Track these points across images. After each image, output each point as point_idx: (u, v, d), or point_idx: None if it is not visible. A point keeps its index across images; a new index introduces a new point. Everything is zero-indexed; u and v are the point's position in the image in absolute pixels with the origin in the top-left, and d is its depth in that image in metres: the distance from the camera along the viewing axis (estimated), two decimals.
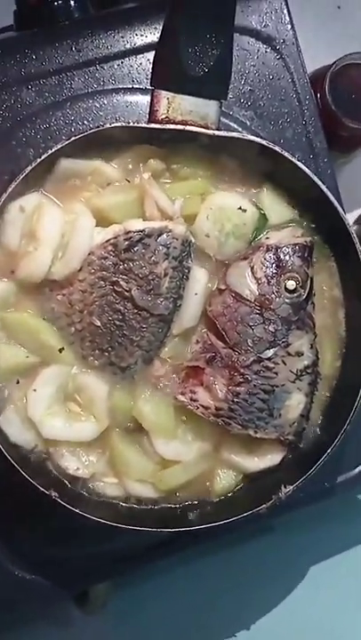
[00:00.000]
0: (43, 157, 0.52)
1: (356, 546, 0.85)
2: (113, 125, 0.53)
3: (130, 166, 0.56)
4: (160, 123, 0.53)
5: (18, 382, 0.54)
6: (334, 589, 0.84)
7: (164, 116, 0.53)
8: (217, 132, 0.54)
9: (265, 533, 0.80)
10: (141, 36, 0.62)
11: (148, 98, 0.59)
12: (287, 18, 0.64)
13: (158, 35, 0.61)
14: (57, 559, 0.62)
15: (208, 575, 0.81)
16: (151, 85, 0.54)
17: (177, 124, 0.53)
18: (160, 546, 0.62)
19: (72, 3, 0.64)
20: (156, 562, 0.66)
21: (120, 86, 0.61)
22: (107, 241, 0.53)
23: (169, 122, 0.53)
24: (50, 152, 0.52)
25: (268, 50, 0.64)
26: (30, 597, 0.63)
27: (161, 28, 0.59)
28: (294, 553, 0.83)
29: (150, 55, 0.61)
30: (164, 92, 0.53)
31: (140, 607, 0.81)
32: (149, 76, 0.60)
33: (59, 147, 0.52)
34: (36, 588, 0.62)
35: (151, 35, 0.62)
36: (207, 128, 0.54)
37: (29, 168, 0.52)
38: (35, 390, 0.54)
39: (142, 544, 0.62)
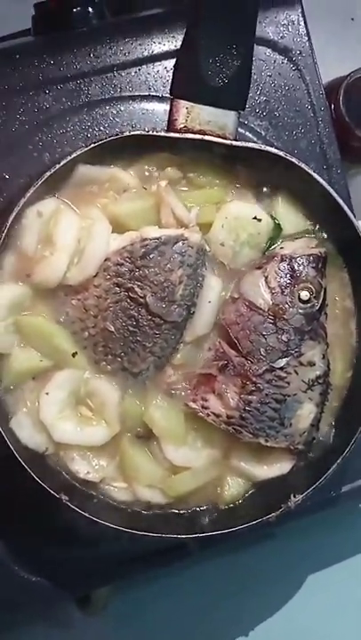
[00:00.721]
0: (62, 163, 0.52)
1: (357, 554, 0.85)
2: (132, 133, 0.53)
3: (147, 174, 0.56)
4: (179, 132, 0.54)
5: (31, 385, 0.55)
6: (334, 596, 0.84)
7: (182, 126, 0.54)
8: (235, 143, 0.54)
9: (267, 539, 0.80)
10: (159, 43, 0.62)
11: (164, 106, 0.59)
12: (304, 29, 0.64)
13: (176, 43, 0.61)
14: (61, 561, 0.62)
15: (209, 579, 0.81)
16: (170, 94, 0.55)
17: (195, 133, 0.54)
18: (165, 551, 0.62)
19: (90, 9, 0.64)
20: (160, 567, 0.66)
21: (137, 93, 0.62)
22: (123, 247, 0.53)
23: (187, 131, 0.54)
24: (69, 158, 0.53)
25: (284, 61, 0.64)
26: (33, 599, 0.63)
27: (179, 36, 0.60)
28: (295, 559, 0.84)
29: (168, 63, 0.62)
30: (183, 102, 0.53)
31: (140, 610, 0.81)
32: (166, 84, 0.61)
33: (78, 153, 0.53)
34: (40, 589, 0.63)
35: (169, 42, 0.62)
36: (225, 138, 0.54)
37: (48, 174, 0.52)
38: (47, 394, 0.54)
39: (147, 549, 0.62)
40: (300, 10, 0.64)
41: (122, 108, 0.61)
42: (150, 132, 0.54)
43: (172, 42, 0.62)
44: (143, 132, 0.54)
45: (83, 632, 0.79)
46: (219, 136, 0.54)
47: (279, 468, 0.57)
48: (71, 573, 0.63)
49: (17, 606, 0.64)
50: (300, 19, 0.64)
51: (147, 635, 0.81)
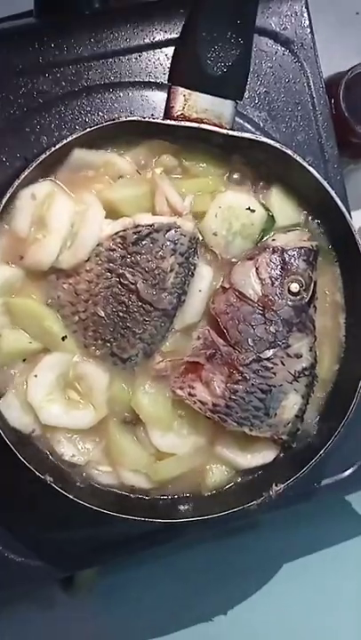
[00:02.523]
0: (57, 146, 0.52)
1: (340, 543, 0.86)
2: (129, 119, 0.53)
3: (142, 160, 0.56)
4: (175, 119, 0.54)
5: (20, 367, 0.55)
6: (315, 585, 0.85)
7: (179, 113, 0.54)
8: (231, 132, 0.54)
9: (250, 528, 0.81)
10: (161, 30, 0.62)
11: (163, 93, 0.59)
12: (307, 21, 0.64)
13: (178, 30, 0.61)
14: (45, 543, 0.63)
15: (192, 566, 0.82)
16: (169, 81, 0.55)
17: (192, 121, 0.54)
18: (149, 535, 0.63)
19: None
20: (144, 551, 0.67)
21: (137, 80, 0.61)
22: (115, 233, 0.53)
23: (184, 119, 0.54)
24: (65, 141, 0.53)
25: (285, 52, 0.64)
26: (17, 579, 0.64)
27: (181, 23, 0.60)
28: (278, 548, 0.85)
29: (168, 51, 0.61)
30: (180, 89, 0.53)
31: (123, 593, 0.82)
32: (166, 72, 0.60)
33: (74, 137, 0.53)
34: (24, 570, 0.63)
35: (171, 30, 0.62)
36: (221, 127, 0.54)
37: (43, 156, 0.52)
38: (35, 376, 0.54)
39: (131, 533, 0.63)
40: (303, 1, 0.64)
41: (121, 95, 0.61)
42: (147, 119, 0.54)
43: (174, 29, 0.62)
44: (140, 118, 0.54)
45: (65, 613, 0.81)
46: (215, 125, 0.54)
47: (263, 457, 0.57)
48: (55, 555, 0.63)
49: (1, 587, 0.64)
50: (304, 10, 0.64)
51: (130, 618, 0.83)
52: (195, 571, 0.82)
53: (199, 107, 0.53)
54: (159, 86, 0.61)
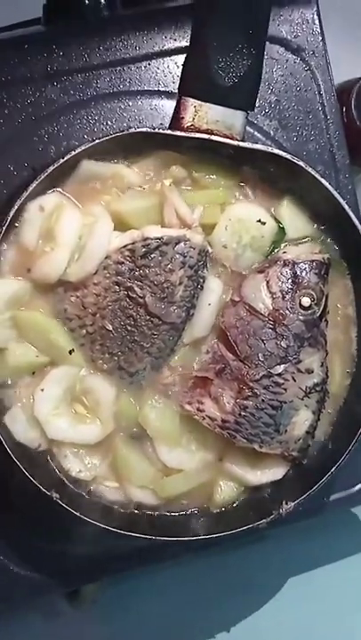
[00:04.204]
0: (66, 158, 0.52)
1: (346, 557, 0.85)
2: (138, 130, 0.53)
3: (151, 172, 0.55)
4: (185, 130, 0.53)
5: (26, 381, 0.54)
6: (322, 599, 0.84)
7: (189, 124, 0.53)
8: (242, 144, 0.54)
9: (257, 541, 0.80)
10: (170, 38, 0.61)
11: (172, 102, 0.58)
12: (318, 29, 0.63)
13: (187, 38, 0.60)
14: (52, 557, 0.62)
15: (198, 578, 0.82)
16: (179, 92, 0.54)
17: (202, 132, 0.53)
18: (155, 551, 0.63)
19: (102, 0, 0.64)
20: (150, 565, 0.66)
21: (146, 88, 0.61)
22: (124, 246, 0.53)
23: (194, 130, 0.53)
24: (73, 153, 0.52)
25: (296, 60, 0.63)
26: (23, 592, 0.63)
27: (190, 31, 0.59)
28: (285, 561, 0.84)
29: (178, 59, 0.61)
30: (191, 100, 0.53)
31: (129, 605, 0.81)
32: (176, 80, 0.60)
33: (82, 148, 0.52)
34: (30, 583, 0.63)
35: (180, 38, 0.61)
36: (232, 139, 0.53)
37: (51, 168, 0.52)
38: (42, 390, 0.54)
39: (137, 547, 0.62)
40: (315, 9, 0.63)
41: (130, 103, 0.61)
42: (156, 130, 0.53)
43: (183, 37, 0.61)
44: (149, 130, 0.53)
45: (71, 625, 0.80)
46: (226, 136, 0.53)
47: (272, 473, 0.56)
48: (61, 569, 0.63)
49: (6, 599, 0.64)
50: (315, 18, 0.63)
51: (134, 630, 0.82)
52: (199, 584, 0.82)
53: (210, 118, 0.53)
54: (168, 95, 0.61)
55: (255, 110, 0.61)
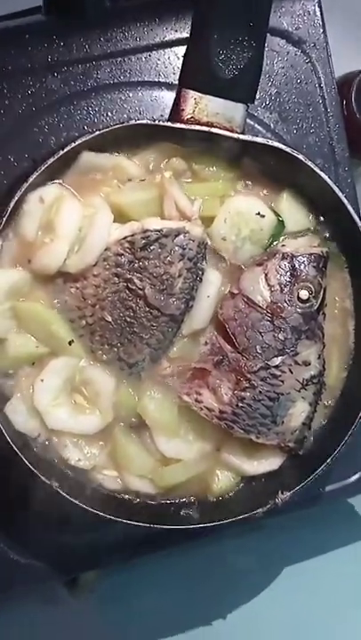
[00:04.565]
0: (66, 149, 0.52)
1: (343, 546, 0.86)
2: (138, 122, 0.53)
3: (151, 163, 0.56)
4: (185, 123, 0.53)
5: (26, 371, 0.55)
6: (317, 589, 0.85)
7: (189, 116, 0.53)
8: (242, 137, 0.54)
9: (253, 531, 0.81)
10: (171, 29, 0.61)
11: (173, 93, 0.58)
12: (320, 21, 0.63)
13: (188, 30, 0.60)
14: (51, 545, 0.63)
15: (195, 567, 0.82)
16: (179, 83, 0.54)
17: (202, 125, 0.53)
18: (153, 538, 0.63)
19: None
20: (148, 554, 0.67)
21: (146, 79, 0.61)
22: (124, 238, 0.53)
23: (194, 122, 0.53)
24: (73, 145, 0.52)
25: (297, 52, 0.63)
26: (22, 580, 0.64)
27: (191, 23, 0.59)
28: (280, 550, 0.85)
29: (178, 50, 0.60)
30: (191, 92, 0.53)
31: (127, 593, 0.82)
32: (176, 72, 0.60)
33: (82, 140, 0.52)
34: (29, 571, 0.63)
35: (181, 29, 0.61)
36: (232, 131, 0.53)
37: (51, 160, 0.52)
38: (42, 380, 0.54)
39: (135, 536, 0.63)
40: (316, 1, 0.63)
41: (130, 94, 0.60)
42: (156, 122, 0.53)
43: (184, 28, 0.61)
44: (149, 122, 0.53)
45: (70, 613, 0.81)
46: (226, 129, 0.53)
47: (269, 464, 0.57)
48: (60, 557, 0.64)
49: (6, 587, 0.65)
50: (317, 10, 0.63)
51: (132, 618, 0.83)
52: (197, 572, 0.82)
53: (210, 110, 0.53)
54: (169, 86, 0.61)
55: (255, 102, 0.61)
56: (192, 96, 0.53)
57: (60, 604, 0.80)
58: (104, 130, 0.52)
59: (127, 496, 0.57)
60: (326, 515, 0.80)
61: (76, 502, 0.53)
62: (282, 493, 0.55)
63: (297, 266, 0.54)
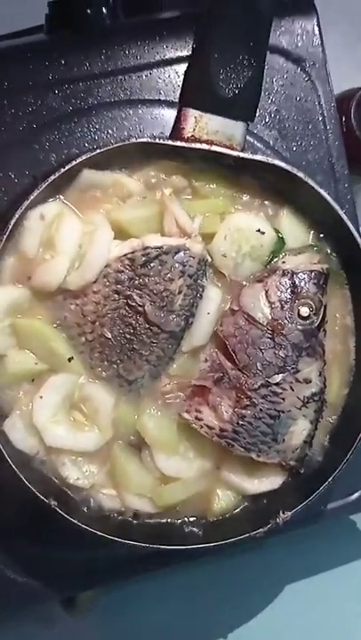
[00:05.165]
0: (67, 167, 0.52)
1: (345, 564, 0.85)
2: (139, 140, 0.53)
3: (152, 180, 0.56)
4: (186, 141, 0.53)
5: (25, 388, 0.54)
6: (319, 606, 0.84)
7: (190, 135, 0.53)
8: (242, 155, 0.54)
9: (255, 548, 0.80)
10: (172, 48, 0.62)
11: (173, 111, 0.59)
12: (318, 40, 0.63)
13: (189, 48, 0.60)
14: (49, 564, 0.62)
15: (194, 585, 0.82)
16: (179, 102, 0.54)
17: (203, 143, 0.53)
18: (152, 557, 0.62)
19: (104, 10, 0.64)
20: (147, 572, 0.66)
21: (147, 97, 0.61)
22: (124, 255, 0.53)
23: (195, 140, 0.53)
24: (74, 162, 0.52)
25: (297, 70, 0.63)
26: (19, 599, 0.63)
27: (192, 41, 0.59)
28: (282, 568, 0.84)
29: (179, 68, 0.61)
30: (192, 111, 0.53)
31: (124, 612, 0.81)
32: (176, 89, 0.60)
33: (83, 158, 0.52)
34: (26, 590, 0.63)
35: (181, 47, 0.62)
36: (232, 149, 0.54)
37: (52, 177, 0.52)
38: (41, 397, 0.54)
39: (133, 555, 0.62)
40: (315, 20, 0.63)
41: (131, 112, 0.61)
42: (157, 140, 0.53)
43: (185, 47, 0.61)
44: (150, 140, 0.53)
45: (67, 633, 0.80)
46: (226, 146, 0.53)
47: (270, 482, 0.56)
48: (58, 575, 0.63)
49: (3, 605, 0.64)
50: (316, 28, 0.64)
51: (131, 636, 0.82)
52: (197, 590, 0.81)
53: (210, 128, 0.53)
54: (169, 104, 0.61)
55: (255, 120, 0.61)
56: (192, 114, 0.53)
57: (57, 624, 0.79)
58: (105, 148, 0.53)
59: (126, 515, 0.56)
60: (328, 532, 0.79)
61: (75, 522, 0.52)
62: (283, 513, 0.54)
63: (297, 283, 0.54)
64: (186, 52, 0.61)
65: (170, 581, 0.79)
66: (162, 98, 0.61)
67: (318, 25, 0.64)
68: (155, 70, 0.61)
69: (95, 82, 0.60)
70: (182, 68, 0.60)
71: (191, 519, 0.57)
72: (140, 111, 0.61)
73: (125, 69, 0.61)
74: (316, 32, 0.64)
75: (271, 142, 0.63)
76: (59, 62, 0.60)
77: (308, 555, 0.84)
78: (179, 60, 0.61)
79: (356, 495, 0.67)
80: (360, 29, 0.79)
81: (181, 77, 0.60)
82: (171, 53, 0.62)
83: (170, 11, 0.66)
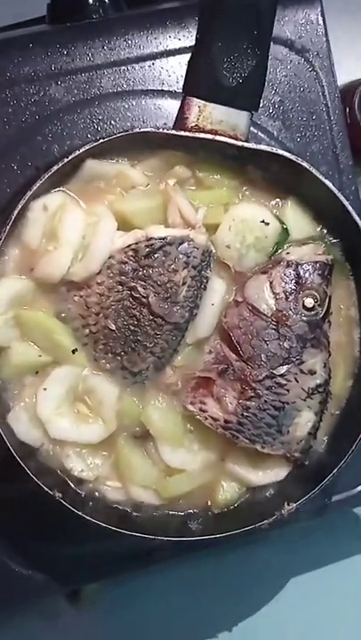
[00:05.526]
0: (70, 158, 0.52)
1: (349, 557, 0.85)
2: (142, 130, 0.53)
3: (155, 171, 0.55)
4: (190, 130, 0.53)
5: (29, 380, 0.54)
6: (323, 599, 0.84)
7: (193, 124, 0.53)
8: (246, 144, 0.53)
9: (259, 541, 0.80)
10: (175, 38, 0.61)
11: (176, 102, 0.58)
12: (323, 30, 0.63)
13: (192, 38, 0.60)
14: (53, 557, 0.62)
15: (198, 578, 0.82)
16: (183, 91, 0.54)
17: (206, 132, 0.53)
18: (157, 550, 0.63)
19: (106, 0, 0.63)
20: (151, 565, 0.66)
21: (150, 88, 0.61)
22: (128, 246, 0.53)
23: (199, 130, 0.53)
24: (77, 153, 0.52)
25: (300, 61, 0.63)
26: (24, 592, 0.63)
27: (195, 30, 0.59)
28: (285, 561, 0.84)
29: (182, 58, 0.60)
30: (195, 100, 0.52)
31: (128, 605, 0.81)
32: (180, 80, 0.60)
33: (86, 148, 0.52)
34: (31, 583, 0.63)
35: (185, 37, 0.61)
36: (236, 139, 0.53)
37: (55, 168, 0.51)
38: (45, 389, 0.54)
39: (138, 548, 0.62)
40: (319, 9, 0.63)
41: (134, 103, 0.60)
42: (160, 130, 0.53)
43: (188, 37, 0.61)
44: (153, 130, 0.53)
45: (71, 626, 0.80)
46: (230, 136, 0.53)
47: (275, 474, 0.56)
48: (61, 568, 0.63)
49: (7, 599, 0.64)
50: (320, 18, 0.63)
51: (135, 631, 0.82)
52: (200, 584, 0.82)
53: (214, 118, 0.53)
54: (172, 94, 0.61)
55: (259, 111, 0.61)
56: (196, 104, 0.52)
57: (61, 617, 0.79)
58: (108, 138, 0.52)
59: (131, 507, 0.56)
60: (332, 524, 0.79)
61: (79, 514, 0.52)
62: (288, 504, 0.54)
63: (302, 274, 0.54)
64: (189, 42, 0.60)
65: (174, 574, 0.80)
66: (165, 88, 0.61)
67: (323, 15, 0.63)
68: (158, 60, 0.61)
69: (98, 72, 0.60)
70: (185, 58, 0.60)
71: (196, 511, 0.57)
72: (143, 102, 0.60)
73: (128, 60, 0.60)
74: (321, 22, 0.63)
75: (275, 133, 0.62)
76: (61, 53, 0.60)
77: (311, 548, 0.84)
78: (182, 50, 0.61)
79: (360, 488, 0.67)
80: None
81: (185, 67, 0.60)
82: (174, 43, 0.61)
83: (172, 1, 0.66)
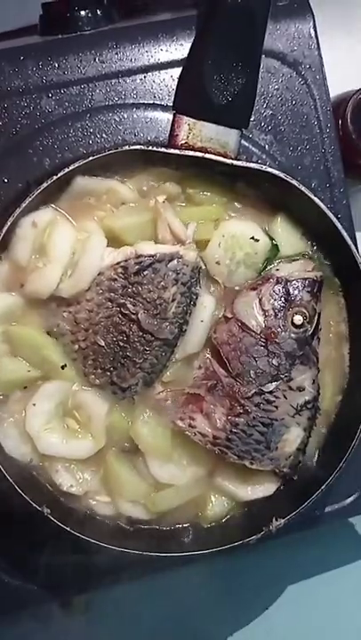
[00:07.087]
0: (59, 175, 0.52)
1: (342, 566, 0.85)
2: (132, 147, 0.53)
3: (145, 187, 0.55)
4: (179, 148, 0.53)
5: (18, 395, 0.54)
6: (317, 609, 0.84)
7: (183, 142, 0.53)
8: (235, 162, 0.54)
9: (250, 552, 0.80)
10: (166, 51, 0.61)
11: (168, 115, 0.58)
12: (315, 43, 0.63)
13: (184, 51, 0.60)
14: (45, 568, 0.63)
15: (189, 587, 0.82)
16: (173, 108, 0.54)
17: (196, 150, 0.53)
18: (146, 564, 0.62)
19: (98, 12, 0.63)
20: (141, 578, 0.67)
21: (141, 101, 0.61)
22: (117, 263, 0.53)
23: (188, 148, 0.53)
24: (67, 170, 0.52)
25: (292, 74, 0.63)
26: (14, 602, 0.64)
27: (187, 44, 0.59)
28: (275, 572, 0.84)
29: (174, 72, 0.60)
30: (185, 118, 0.53)
31: (121, 613, 0.82)
32: (171, 93, 0.60)
33: (76, 165, 0.52)
34: (22, 594, 0.63)
35: (176, 51, 0.61)
36: (226, 156, 0.53)
37: (44, 185, 0.51)
38: (34, 405, 0.54)
39: (128, 560, 0.62)
40: (311, 22, 0.63)
41: (125, 116, 0.60)
42: (150, 148, 0.53)
43: (180, 50, 0.61)
44: (143, 147, 0.53)
45: (64, 633, 0.80)
46: (220, 154, 0.53)
47: (263, 489, 0.57)
48: (53, 580, 0.63)
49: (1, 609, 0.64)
50: (312, 32, 0.63)
51: (128, 637, 0.82)
52: (193, 592, 0.82)
53: (204, 136, 0.53)
54: (164, 108, 0.60)
55: (250, 124, 0.61)
56: (186, 122, 0.53)
57: (53, 624, 0.79)
58: (98, 155, 0.52)
59: (120, 522, 0.56)
60: (325, 535, 0.79)
61: (68, 529, 0.52)
62: (276, 520, 0.54)
63: (291, 291, 0.54)
64: (181, 56, 0.60)
65: (166, 583, 0.80)
66: (156, 102, 0.61)
67: (315, 28, 0.63)
68: (149, 73, 0.61)
69: (89, 85, 0.60)
70: (177, 71, 0.60)
71: (185, 526, 0.57)
72: (135, 115, 0.60)
73: (120, 72, 0.60)
74: (313, 35, 0.63)
75: (266, 147, 0.62)
76: (53, 65, 0.60)
77: (305, 557, 0.84)
78: (173, 64, 0.60)
79: (351, 499, 0.67)
80: (357, 33, 0.78)
81: (176, 81, 0.60)
82: (165, 57, 0.61)
83: (165, 13, 0.65)
